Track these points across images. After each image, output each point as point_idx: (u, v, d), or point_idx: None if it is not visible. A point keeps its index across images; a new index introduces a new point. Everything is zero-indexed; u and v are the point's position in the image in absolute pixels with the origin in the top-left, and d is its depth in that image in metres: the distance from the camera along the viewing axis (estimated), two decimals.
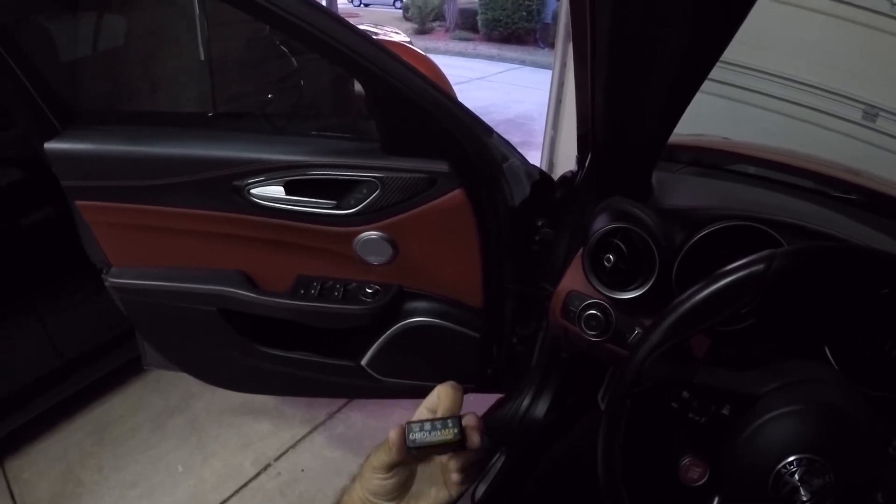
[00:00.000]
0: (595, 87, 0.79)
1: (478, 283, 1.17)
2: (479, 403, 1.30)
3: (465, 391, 0.61)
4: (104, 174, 1.09)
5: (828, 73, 2.72)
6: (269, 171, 1.04)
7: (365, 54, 0.92)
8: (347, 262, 1.14)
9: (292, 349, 1.31)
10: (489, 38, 11.73)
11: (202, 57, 1.74)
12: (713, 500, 0.61)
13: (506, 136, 1.11)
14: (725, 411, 0.60)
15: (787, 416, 0.55)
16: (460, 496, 0.60)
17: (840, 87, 2.71)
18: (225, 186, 1.06)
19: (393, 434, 0.54)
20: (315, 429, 1.96)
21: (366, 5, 17.83)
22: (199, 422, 1.99)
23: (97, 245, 1.22)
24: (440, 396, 0.58)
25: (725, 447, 0.59)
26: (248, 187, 1.05)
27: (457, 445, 0.55)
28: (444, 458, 0.58)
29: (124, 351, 1.88)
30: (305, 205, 1.06)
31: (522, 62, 10.15)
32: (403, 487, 0.58)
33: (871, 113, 2.67)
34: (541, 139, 3.41)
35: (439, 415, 0.57)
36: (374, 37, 0.99)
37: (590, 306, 0.90)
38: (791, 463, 0.53)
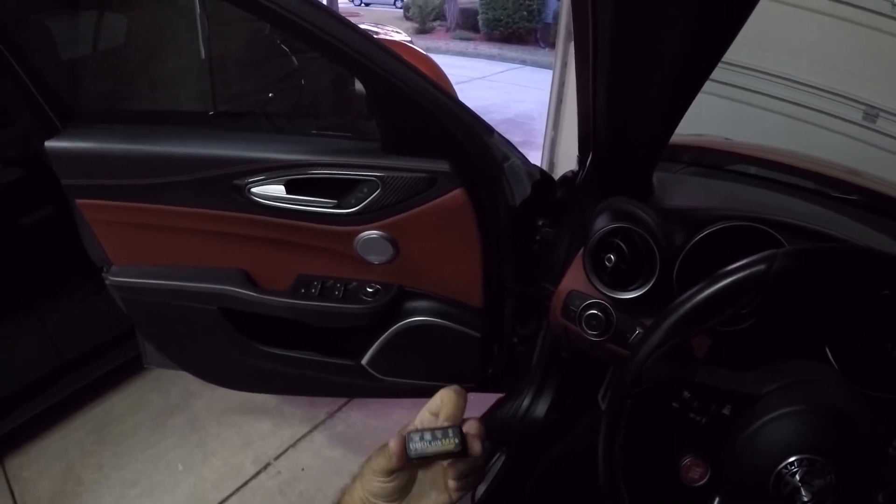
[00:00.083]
0: (597, 86, 0.79)
1: (478, 283, 1.17)
2: (480, 403, 1.30)
3: (466, 391, 0.60)
4: (105, 173, 1.09)
5: (828, 73, 2.72)
6: (269, 170, 1.04)
7: (366, 53, 0.92)
8: (348, 262, 1.14)
9: (293, 348, 1.31)
10: (490, 38, 11.72)
11: (203, 56, 1.74)
12: (714, 501, 0.61)
13: (506, 136, 1.11)
14: (726, 411, 0.60)
15: (787, 417, 0.55)
16: (460, 497, 0.60)
17: (841, 88, 2.71)
18: (225, 185, 1.06)
19: (393, 444, 0.54)
20: (315, 428, 1.96)
21: (366, 4, 17.81)
22: (200, 420, 1.99)
23: (97, 243, 1.22)
24: (443, 401, 0.58)
25: (726, 447, 0.59)
26: (248, 186, 1.05)
27: (457, 454, 0.54)
28: (444, 463, 0.58)
29: (124, 350, 1.88)
30: (306, 204, 1.06)
31: (523, 62, 10.14)
32: (404, 490, 0.58)
33: (872, 114, 2.67)
34: (541, 139, 3.41)
35: (442, 418, 0.57)
36: (374, 36, 0.99)
37: (590, 306, 0.90)
38: (792, 463, 0.53)
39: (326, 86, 2.05)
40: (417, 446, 0.54)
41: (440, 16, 13.31)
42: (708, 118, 2.21)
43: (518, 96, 7.33)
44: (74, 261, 1.34)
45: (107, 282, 1.26)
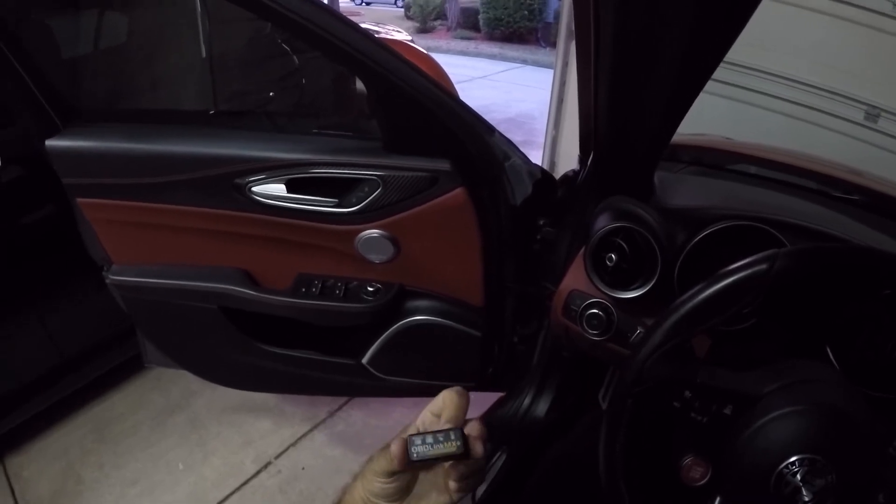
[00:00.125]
0: (598, 85, 0.79)
1: (479, 282, 1.17)
2: (480, 402, 1.30)
3: (467, 390, 0.60)
4: (105, 171, 1.09)
5: (830, 73, 2.71)
6: (270, 170, 1.04)
7: (367, 52, 0.92)
8: (349, 261, 1.14)
9: (293, 347, 1.32)
10: (491, 37, 11.71)
11: (204, 55, 1.74)
12: (715, 501, 0.61)
13: (507, 135, 1.11)
14: (727, 411, 0.60)
15: (788, 417, 0.55)
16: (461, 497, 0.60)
17: (842, 88, 2.70)
18: (226, 184, 1.06)
19: (395, 448, 0.54)
20: (316, 427, 1.96)
21: (367, 3, 17.80)
22: (200, 419, 1.99)
23: (98, 242, 1.22)
24: (445, 402, 0.57)
25: (727, 447, 0.59)
26: (249, 185, 1.05)
27: (460, 456, 0.54)
28: (446, 464, 0.58)
29: (125, 348, 1.88)
30: (307, 203, 1.06)
31: (524, 61, 10.13)
32: (405, 490, 0.58)
33: (873, 114, 2.67)
34: (542, 138, 3.41)
35: (443, 420, 0.57)
36: (375, 35, 0.99)
37: (591, 305, 0.90)
38: (793, 463, 0.53)
39: (327, 85, 2.05)
40: (419, 450, 0.53)
41: (441, 15, 13.30)
42: (709, 118, 2.21)
43: (519, 96, 7.33)
44: (75, 260, 1.34)
45: (107, 281, 1.26)
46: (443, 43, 11.50)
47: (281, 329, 1.28)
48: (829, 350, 0.74)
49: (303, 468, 1.82)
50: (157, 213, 1.11)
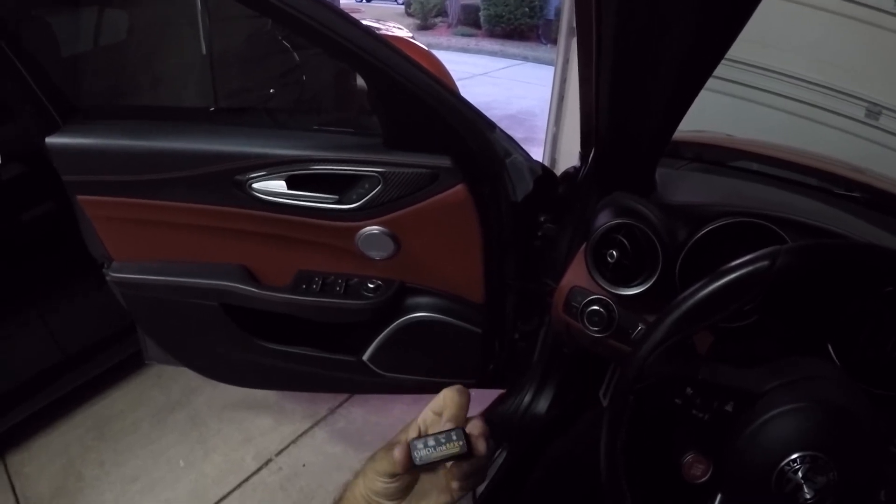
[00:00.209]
0: (599, 82, 0.79)
1: (480, 279, 1.17)
2: (481, 399, 1.30)
3: (467, 387, 0.60)
4: (105, 169, 1.09)
5: (831, 70, 2.71)
6: (270, 166, 1.04)
7: (368, 49, 0.92)
8: (349, 257, 1.14)
9: (293, 344, 1.32)
10: (492, 34, 11.68)
11: (204, 51, 1.74)
12: (716, 498, 0.61)
13: (508, 132, 1.10)
14: (729, 408, 0.60)
15: (790, 414, 0.55)
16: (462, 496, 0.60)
17: (843, 85, 2.70)
18: (226, 181, 1.06)
19: (397, 453, 0.54)
20: (316, 424, 1.96)
21: (368, 0, 17.77)
22: (201, 417, 1.99)
23: (98, 239, 1.22)
24: (446, 401, 0.57)
25: (728, 444, 0.59)
26: (249, 182, 1.05)
27: (462, 456, 0.54)
28: (448, 463, 0.57)
29: (125, 346, 1.88)
30: (307, 199, 1.06)
31: (525, 58, 10.11)
32: (407, 490, 0.58)
33: (875, 111, 2.66)
34: (543, 135, 3.40)
35: (445, 418, 0.57)
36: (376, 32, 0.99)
37: (592, 302, 0.90)
38: (794, 460, 0.53)
39: (328, 81, 2.05)
40: (422, 454, 0.53)
41: (442, 12, 13.27)
42: (710, 114, 2.20)
43: (520, 92, 7.31)
44: (75, 257, 1.34)
45: (108, 278, 1.26)
46: (443, 40, 11.47)
47: (281, 326, 1.28)
48: (830, 347, 0.74)
49: (303, 465, 1.82)
50: (158, 209, 1.11)
